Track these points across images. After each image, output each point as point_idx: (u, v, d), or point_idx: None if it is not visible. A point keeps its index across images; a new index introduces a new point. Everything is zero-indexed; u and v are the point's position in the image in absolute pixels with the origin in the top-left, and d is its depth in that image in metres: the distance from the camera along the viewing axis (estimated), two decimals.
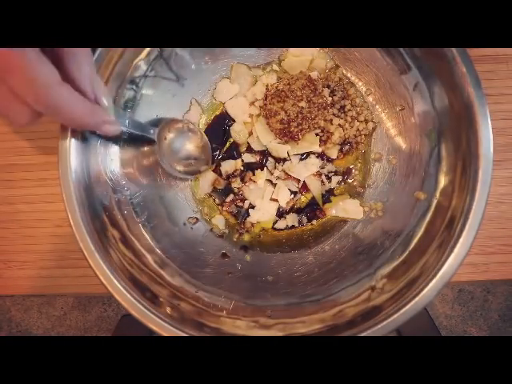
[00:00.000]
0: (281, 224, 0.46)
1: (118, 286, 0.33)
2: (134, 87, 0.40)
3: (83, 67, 0.28)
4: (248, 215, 0.47)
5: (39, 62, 0.24)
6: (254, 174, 0.47)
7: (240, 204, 0.47)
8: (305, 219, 0.47)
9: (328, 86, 0.45)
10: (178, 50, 0.42)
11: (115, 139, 0.39)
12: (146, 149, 0.44)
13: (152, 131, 0.41)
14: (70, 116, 0.27)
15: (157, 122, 0.43)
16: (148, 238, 0.40)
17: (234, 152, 0.47)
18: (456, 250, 0.31)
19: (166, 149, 0.43)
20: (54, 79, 0.25)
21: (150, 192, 0.43)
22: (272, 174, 0.47)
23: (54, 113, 0.26)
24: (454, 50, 0.32)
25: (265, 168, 0.47)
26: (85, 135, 0.35)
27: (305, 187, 0.47)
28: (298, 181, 0.47)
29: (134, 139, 0.41)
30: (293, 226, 0.46)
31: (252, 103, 0.47)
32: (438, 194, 0.37)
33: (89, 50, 0.28)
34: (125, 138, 0.40)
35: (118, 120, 0.36)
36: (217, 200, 0.47)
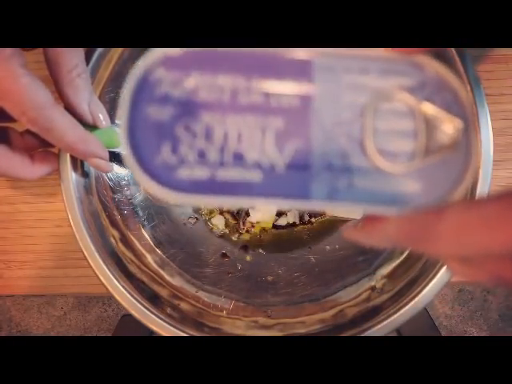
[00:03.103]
0: (282, 221, 0.46)
1: (118, 286, 0.33)
2: None
3: (81, 93, 0.28)
4: (248, 215, 0.47)
5: (33, 86, 0.24)
6: None
7: None
8: (306, 216, 0.47)
9: None
10: None
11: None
12: None
13: None
14: (60, 137, 0.26)
15: None
16: (148, 237, 0.40)
17: None
18: None
19: None
20: (47, 101, 0.25)
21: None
22: None
23: (46, 134, 0.26)
24: (453, 50, 0.32)
25: None
26: None
27: None
28: None
29: None
30: (294, 224, 0.46)
31: None
32: None
33: (88, 75, 0.28)
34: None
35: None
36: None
